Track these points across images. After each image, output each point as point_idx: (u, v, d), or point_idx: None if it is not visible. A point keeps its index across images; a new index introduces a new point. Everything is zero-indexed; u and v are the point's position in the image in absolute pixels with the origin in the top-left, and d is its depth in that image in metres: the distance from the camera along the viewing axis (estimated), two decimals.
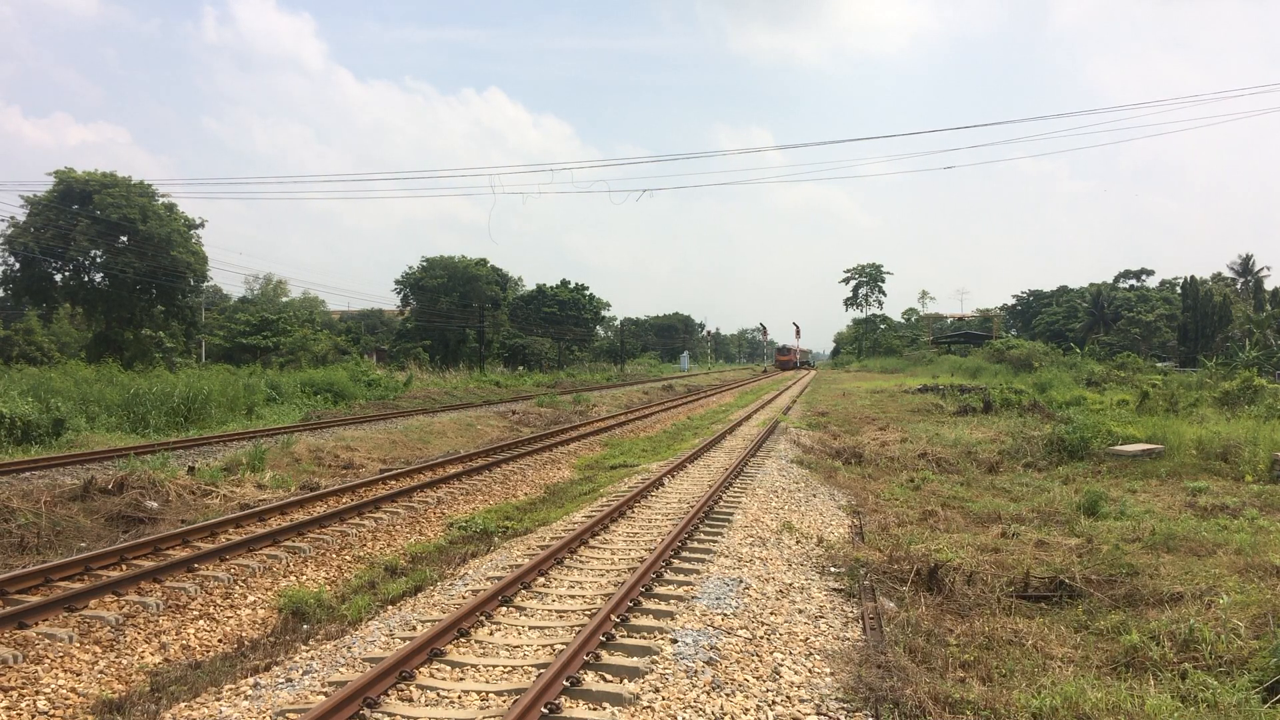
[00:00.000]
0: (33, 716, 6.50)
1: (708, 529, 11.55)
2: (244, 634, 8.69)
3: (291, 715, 5.92)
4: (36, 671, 7.05)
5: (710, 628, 7.49)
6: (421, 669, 6.55)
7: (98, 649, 7.67)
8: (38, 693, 6.77)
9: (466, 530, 13.02)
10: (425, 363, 62.07)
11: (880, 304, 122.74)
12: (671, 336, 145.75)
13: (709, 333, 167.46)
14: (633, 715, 5.79)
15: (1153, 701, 5.87)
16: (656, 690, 6.17)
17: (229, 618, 8.96)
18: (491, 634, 7.45)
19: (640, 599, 8.27)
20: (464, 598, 8.71)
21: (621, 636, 7.23)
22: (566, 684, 6.11)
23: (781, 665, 6.76)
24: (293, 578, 10.33)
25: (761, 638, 7.37)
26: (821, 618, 8.10)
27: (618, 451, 22.42)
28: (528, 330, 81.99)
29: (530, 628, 7.64)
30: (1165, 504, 13.25)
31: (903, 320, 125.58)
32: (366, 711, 5.78)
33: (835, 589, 9.15)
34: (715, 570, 9.44)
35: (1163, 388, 30.18)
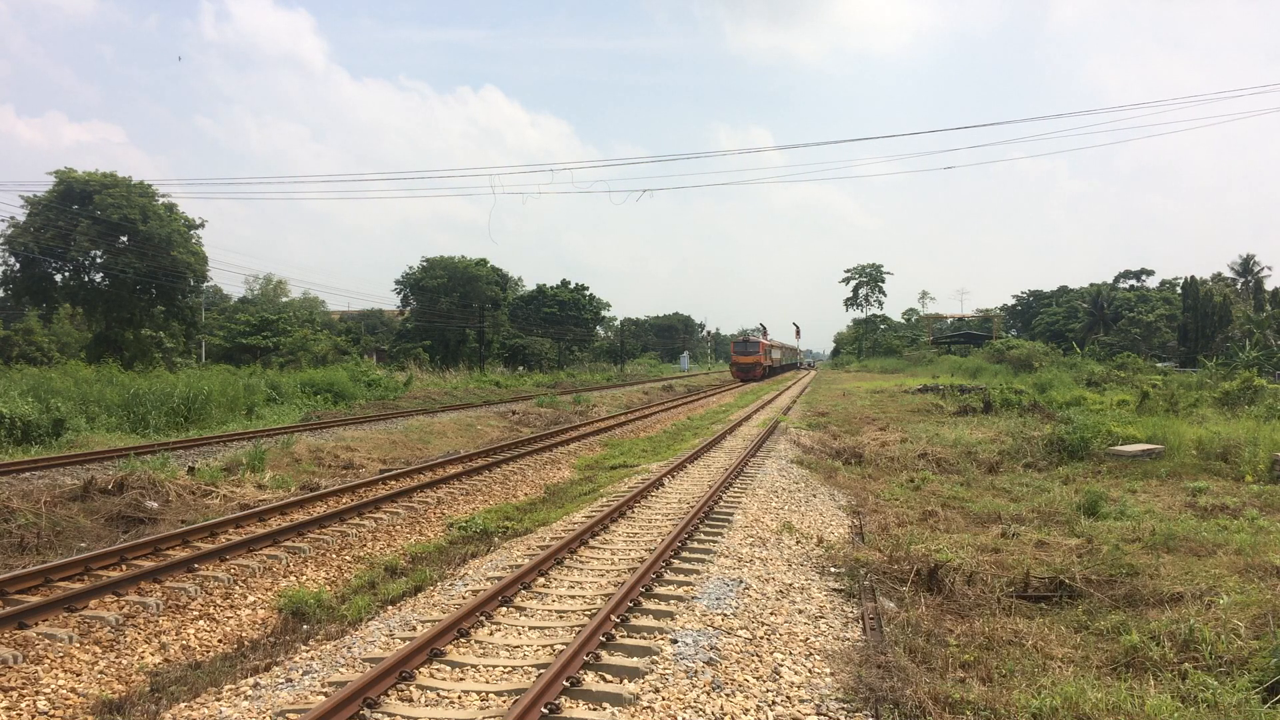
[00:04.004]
0: (33, 716, 6.50)
1: (708, 529, 11.55)
2: (244, 634, 8.69)
3: (291, 715, 5.92)
4: (36, 671, 7.05)
5: (710, 628, 7.49)
6: (421, 669, 6.55)
7: (98, 649, 7.67)
8: (38, 693, 6.77)
9: (466, 530, 13.01)
10: (425, 363, 62.07)
11: (880, 304, 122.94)
12: (671, 337, 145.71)
13: (709, 333, 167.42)
14: (633, 715, 5.79)
15: (1153, 702, 5.87)
16: (656, 690, 6.17)
17: (229, 618, 8.96)
18: (491, 634, 7.45)
19: (640, 599, 8.27)
20: (464, 598, 8.71)
21: (621, 637, 7.23)
22: (567, 684, 6.12)
23: (781, 665, 6.76)
24: (293, 578, 10.33)
25: (761, 638, 7.37)
26: (821, 618, 8.10)
27: (618, 452, 22.42)
28: (528, 330, 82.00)
29: (530, 628, 7.64)
30: (1165, 504, 13.24)
31: (903, 320, 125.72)
32: (366, 712, 5.78)
33: (835, 589, 9.14)
34: (715, 570, 9.44)
35: (1163, 388, 30.16)
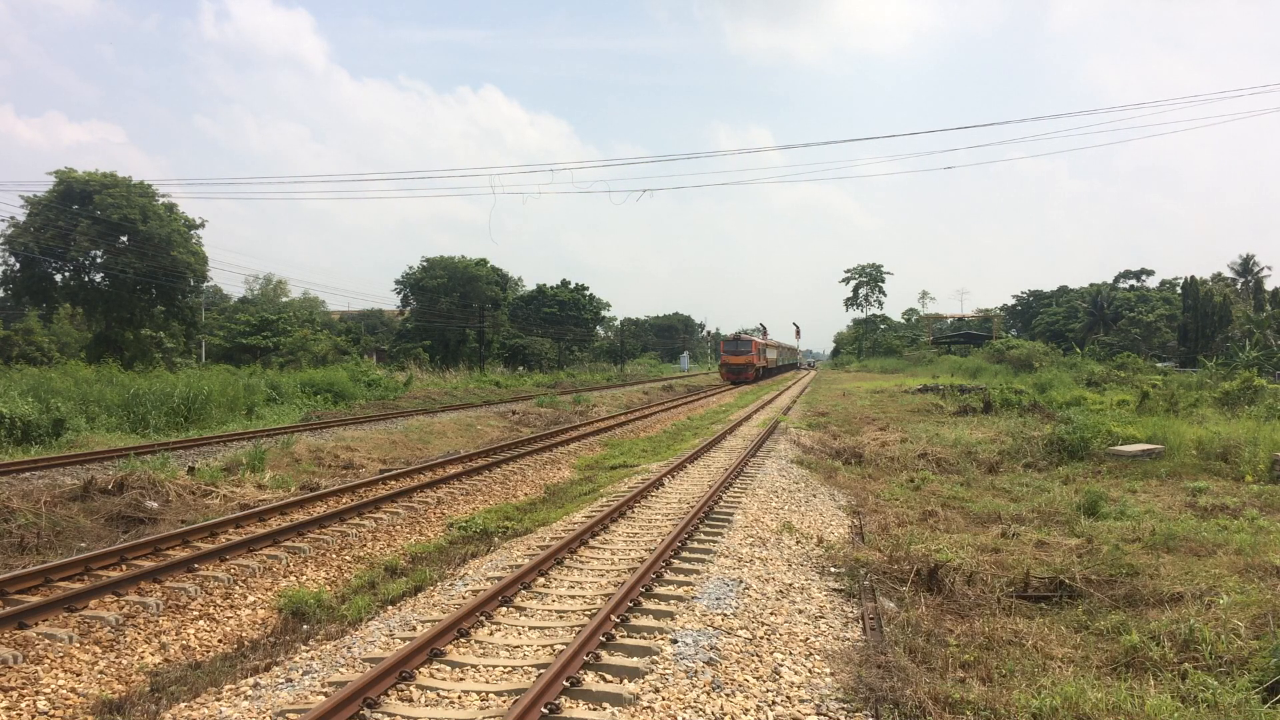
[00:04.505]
0: (33, 716, 6.50)
1: (708, 529, 11.55)
2: (244, 634, 8.69)
3: (291, 715, 5.92)
4: (36, 671, 7.05)
5: (710, 628, 7.49)
6: (421, 669, 6.55)
7: (98, 649, 7.67)
8: (38, 693, 6.77)
9: (466, 530, 13.02)
10: (425, 363, 62.07)
11: (880, 304, 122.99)
12: (671, 337, 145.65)
13: (709, 333, 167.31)
14: (633, 715, 5.79)
15: (1153, 701, 5.87)
16: (656, 690, 6.17)
17: (229, 618, 8.96)
18: (491, 634, 7.45)
19: (640, 599, 8.27)
20: (464, 598, 8.71)
21: (621, 637, 7.23)
22: (566, 684, 6.12)
23: (781, 665, 6.76)
24: (293, 578, 10.33)
25: (761, 638, 7.37)
26: (821, 618, 8.10)
27: (618, 452, 22.42)
28: (528, 330, 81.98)
29: (530, 628, 7.64)
30: (1165, 504, 13.24)
31: (903, 320, 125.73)
32: (366, 712, 5.78)
33: (835, 589, 9.14)
34: (715, 570, 9.44)
35: (1163, 388, 30.17)
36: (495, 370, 66.15)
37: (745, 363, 63.36)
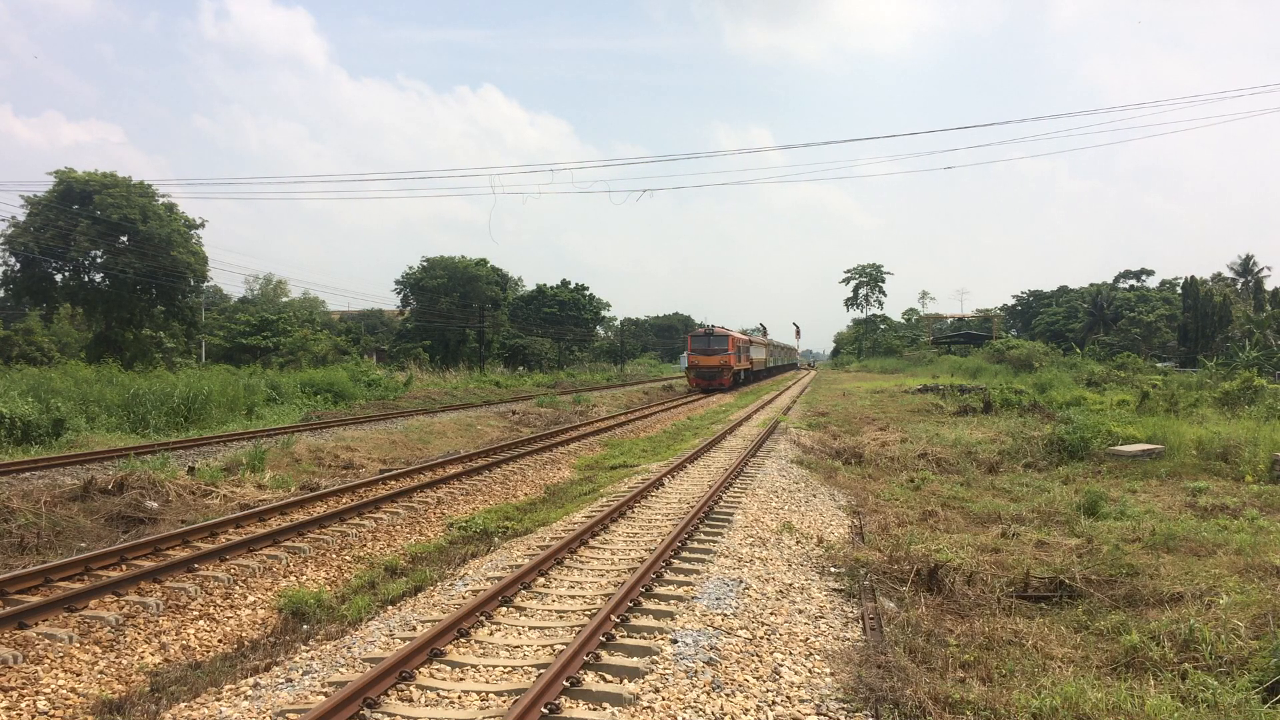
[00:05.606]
0: (33, 716, 6.50)
1: (708, 529, 11.55)
2: (244, 634, 8.69)
3: (291, 715, 5.92)
4: (36, 671, 7.05)
5: (710, 628, 7.49)
6: (421, 669, 6.55)
7: (98, 649, 7.67)
8: (38, 693, 6.77)
9: (466, 530, 13.02)
10: (425, 363, 62.08)
11: (880, 304, 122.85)
12: (671, 337, 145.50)
13: None
14: (633, 715, 5.79)
15: (1153, 702, 5.87)
16: (656, 690, 6.17)
17: (229, 618, 8.96)
18: (491, 634, 7.45)
19: (640, 599, 8.27)
20: (464, 598, 8.71)
21: (622, 637, 7.23)
22: (567, 684, 6.12)
23: (781, 665, 6.76)
24: (293, 578, 10.33)
25: (761, 638, 7.37)
26: (821, 618, 8.10)
27: (618, 452, 22.42)
28: (528, 330, 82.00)
29: (530, 628, 7.64)
30: (1165, 504, 13.24)
31: (903, 320, 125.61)
32: (366, 712, 5.78)
33: (835, 589, 9.14)
34: (715, 570, 9.44)
35: (1163, 388, 30.17)
36: (495, 370, 66.15)
37: (719, 364, 49.15)
